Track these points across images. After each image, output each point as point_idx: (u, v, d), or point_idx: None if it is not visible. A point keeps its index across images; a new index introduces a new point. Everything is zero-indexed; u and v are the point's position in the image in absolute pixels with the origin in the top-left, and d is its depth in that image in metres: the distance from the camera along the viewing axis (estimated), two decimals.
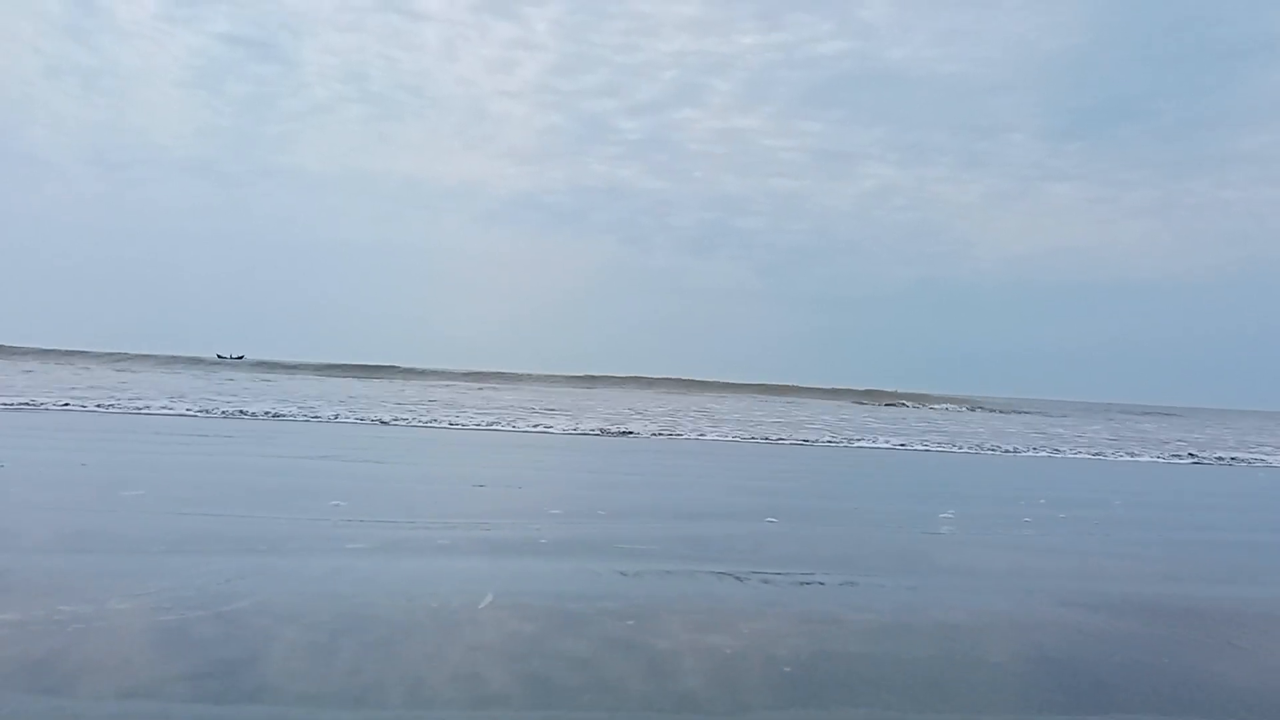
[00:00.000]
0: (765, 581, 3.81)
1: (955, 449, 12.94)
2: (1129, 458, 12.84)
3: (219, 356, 60.47)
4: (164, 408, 13.31)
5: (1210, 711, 2.44)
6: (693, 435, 12.98)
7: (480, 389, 32.56)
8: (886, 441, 13.56)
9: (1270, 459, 13.58)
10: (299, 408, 14.43)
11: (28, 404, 12.76)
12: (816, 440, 13.21)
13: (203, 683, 2.34)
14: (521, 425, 13.15)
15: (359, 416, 13.29)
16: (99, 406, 12.94)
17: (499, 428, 12.63)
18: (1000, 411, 35.66)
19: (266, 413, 13.17)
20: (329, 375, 34.48)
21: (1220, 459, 13.33)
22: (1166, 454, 13.79)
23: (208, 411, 13.08)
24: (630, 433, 12.80)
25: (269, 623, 2.90)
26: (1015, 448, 13.59)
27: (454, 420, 13.66)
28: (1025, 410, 38.17)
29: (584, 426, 13.55)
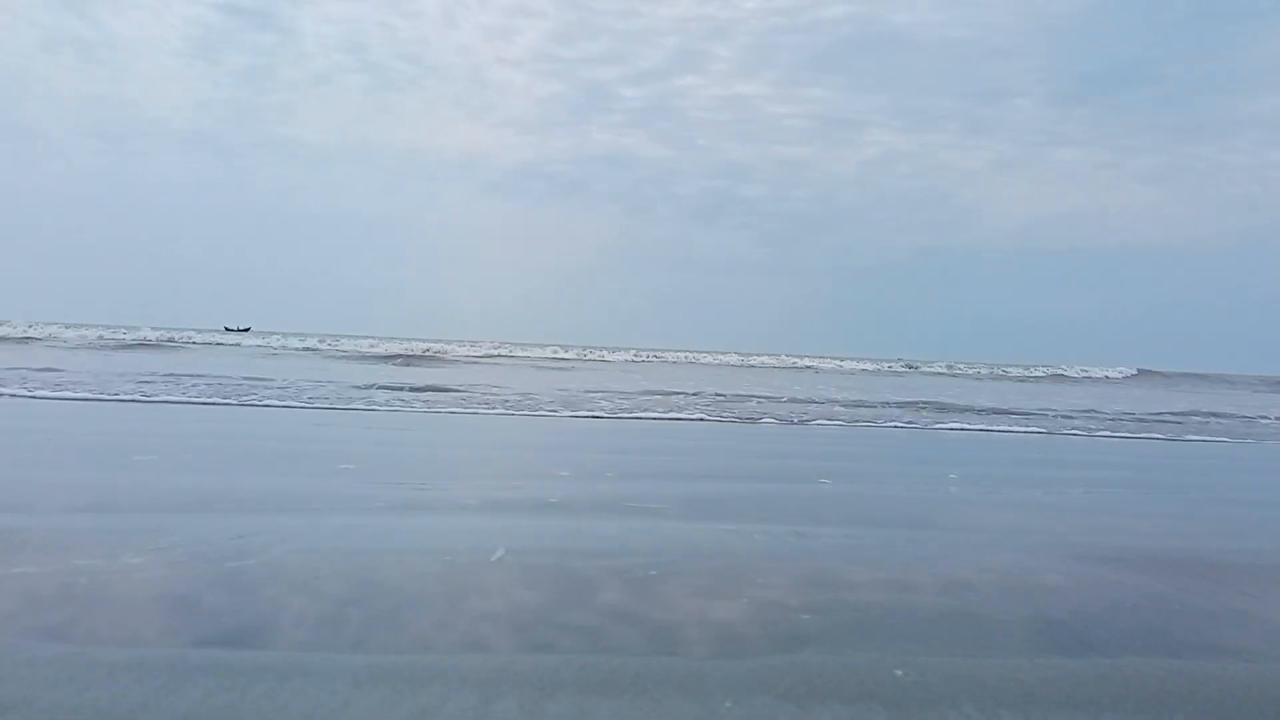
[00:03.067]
0: (774, 537, 3.82)
1: (956, 422, 12.92)
2: (1128, 429, 12.81)
3: (225, 329, 60.73)
4: (169, 385, 13.35)
5: (1219, 656, 2.44)
6: (698, 408, 12.99)
7: (494, 357, 32.60)
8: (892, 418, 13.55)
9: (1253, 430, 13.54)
10: (300, 390, 14.49)
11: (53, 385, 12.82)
12: (815, 415, 13.21)
13: (216, 631, 2.35)
14: (528, 398, 13.16)
15: (362, 391, 13.32)
16: (101, 389, 12.97)
17: (507, 400, 12.64)
18: (1003, 379, 35.58)
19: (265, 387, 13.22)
20: (328, 352, 34.54)
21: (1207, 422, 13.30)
22: (1157, 421, 13.75)
23: (219, 381, 13.11)
24: (632, 412, 12.83)
25: (280, 576, 2.91)
26: (1019, 413, 13.57)
27: (465, 393, 13.68)
28: (1028, 378, 38.06)
29: (590, 398, 13.57)
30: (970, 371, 39.87)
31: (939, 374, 37.54)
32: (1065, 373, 41.61)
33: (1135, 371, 44.61)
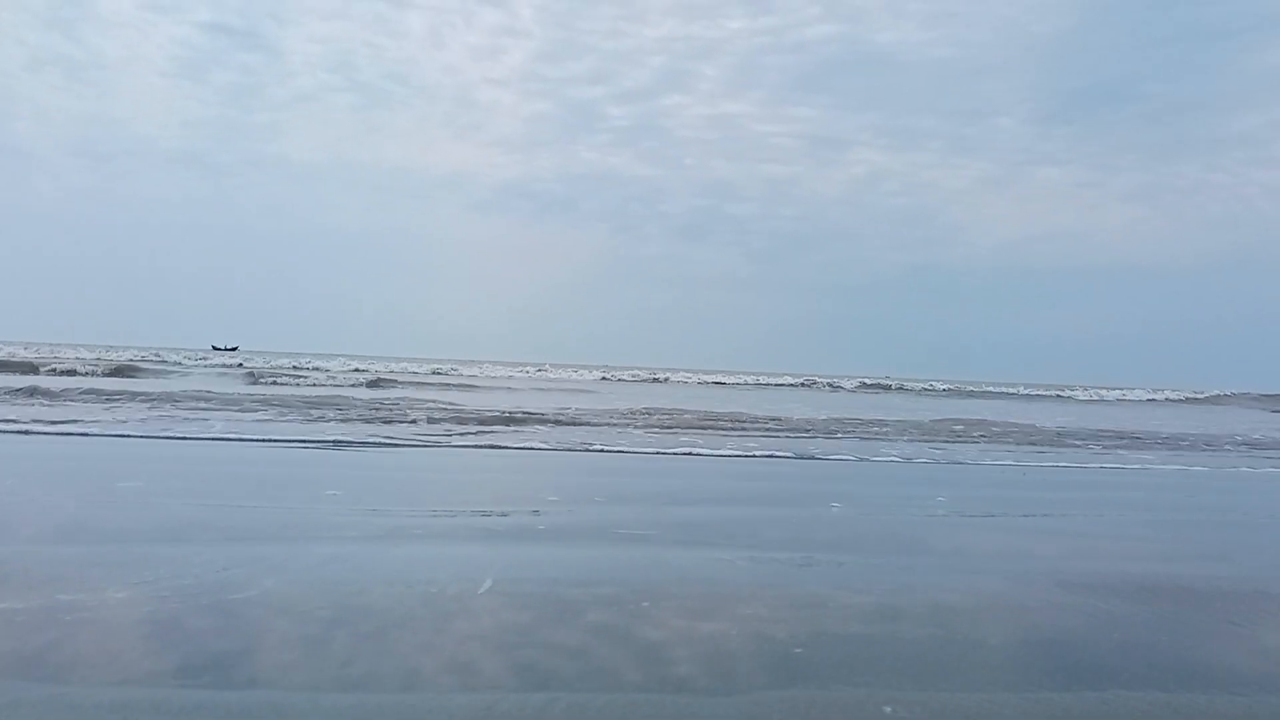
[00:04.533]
0: (762, 564, 3.82)
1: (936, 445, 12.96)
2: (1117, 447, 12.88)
3: (214, 348, 60.54)
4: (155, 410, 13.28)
5: (1208, 687, 2.44)
6: (685, 430, 13.00)
7: (477, 376, 32.53)
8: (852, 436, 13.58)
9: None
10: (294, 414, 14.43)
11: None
12: (796, 439, 13.23)
13: (201, 669, 2.33)
14: (514, 421, 13.14)
15: (346, 420, 13.28)
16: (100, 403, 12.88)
17: (493, 425, 12.63)
18: (996, 398, 35.71)
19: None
20: (314, 374, 34.42)
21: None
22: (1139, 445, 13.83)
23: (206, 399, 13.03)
24: (620, 434, 12.82)
25: (267, 610, 2.89)
26: (1003, 434, 13.63)
27: (450, 415, 13.66)
28: (1019, 396, 38.22)
29: (577, 420, 13.56)
30: (1008, 390, 38.75)
31: (986, 393, 36.47)
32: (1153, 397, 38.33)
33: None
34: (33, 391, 13.95)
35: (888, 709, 2.20)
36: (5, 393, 13.57)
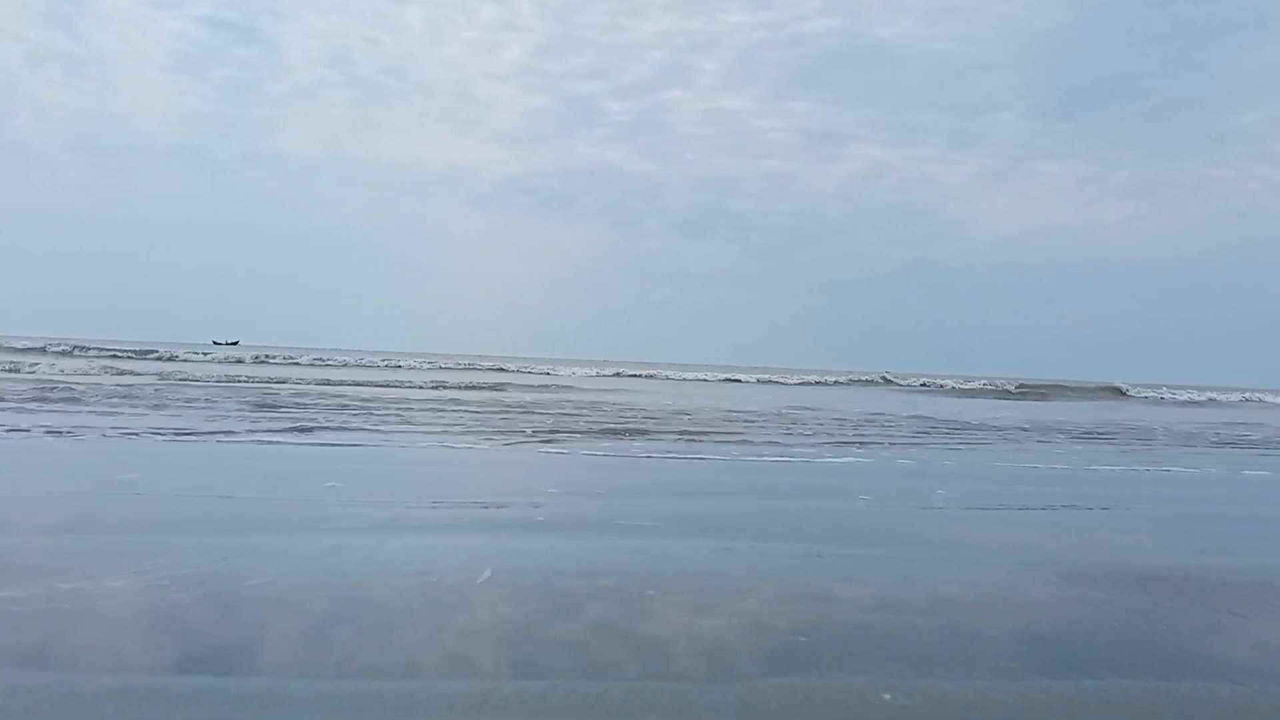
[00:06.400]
0: (763, 556, 3.81)
1: (940, 438, 12.96)
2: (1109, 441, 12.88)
3: (214, 343, 60.63)
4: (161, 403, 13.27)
5: (1208, 677, 2.44)
6: (688, 429, 12.99)
7: (471, 374, 32.54)
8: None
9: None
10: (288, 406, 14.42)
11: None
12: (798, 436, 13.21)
13: (199, 658, 2.33)
14: (514, 412, 13.14)
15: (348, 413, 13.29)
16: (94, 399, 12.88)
17: (491, 417, 12.63)
18: (990, 396, 35.70)
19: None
20: (316, 366, 34.40)
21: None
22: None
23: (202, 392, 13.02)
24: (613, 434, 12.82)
25: (266, 599, 2.89)
26: (1004, 428, 13.63)
27: (450, 408, 13.66)
28: (1015, 395, 38.19)
29: (580, 414, 13.54)
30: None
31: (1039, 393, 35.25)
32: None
33: None
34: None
35: (887, 696, 2.20)
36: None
